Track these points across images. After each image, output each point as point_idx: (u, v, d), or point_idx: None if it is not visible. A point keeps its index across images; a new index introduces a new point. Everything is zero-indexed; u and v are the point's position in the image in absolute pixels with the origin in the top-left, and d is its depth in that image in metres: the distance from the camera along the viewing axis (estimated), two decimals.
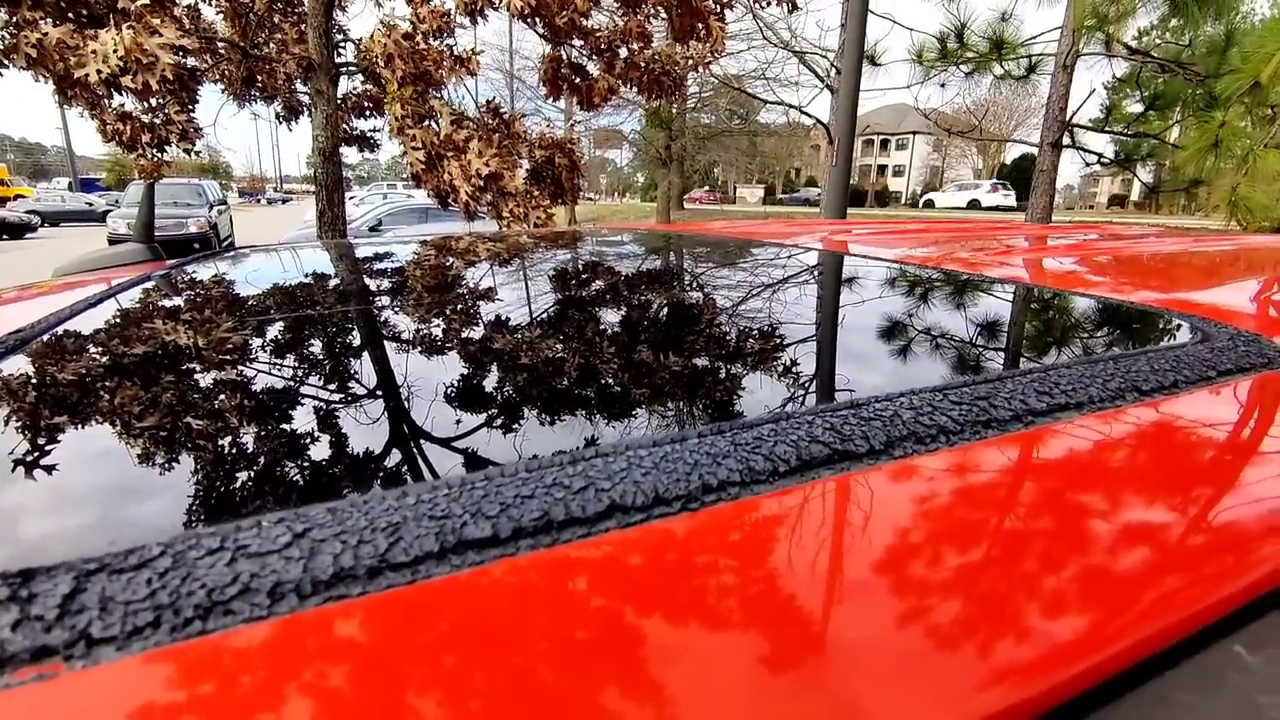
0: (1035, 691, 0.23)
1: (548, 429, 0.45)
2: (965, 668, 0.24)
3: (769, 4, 4.98)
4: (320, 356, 0.63)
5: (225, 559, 0.27)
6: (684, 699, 0.22)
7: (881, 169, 49.21)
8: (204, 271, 1.16)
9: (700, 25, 4.68)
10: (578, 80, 4.92)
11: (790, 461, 0.35)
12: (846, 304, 0.87)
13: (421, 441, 0.44)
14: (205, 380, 0.55)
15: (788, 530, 0.31)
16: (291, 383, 0.55)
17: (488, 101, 4.78)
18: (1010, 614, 0.26)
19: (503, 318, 0.77)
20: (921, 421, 0.40)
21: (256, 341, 0.67)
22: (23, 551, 0.32)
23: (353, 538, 0.28)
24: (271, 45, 4.95)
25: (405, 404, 0.50)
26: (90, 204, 22.01)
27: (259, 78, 4.98)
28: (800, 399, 0.51)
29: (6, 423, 0.45)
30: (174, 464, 0.39)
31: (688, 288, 1.03)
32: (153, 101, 4.03)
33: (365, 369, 0.60)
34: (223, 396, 0.51)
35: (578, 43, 4.77)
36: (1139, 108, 6.98)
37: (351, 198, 13.69)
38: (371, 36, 4.08)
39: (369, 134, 6.04)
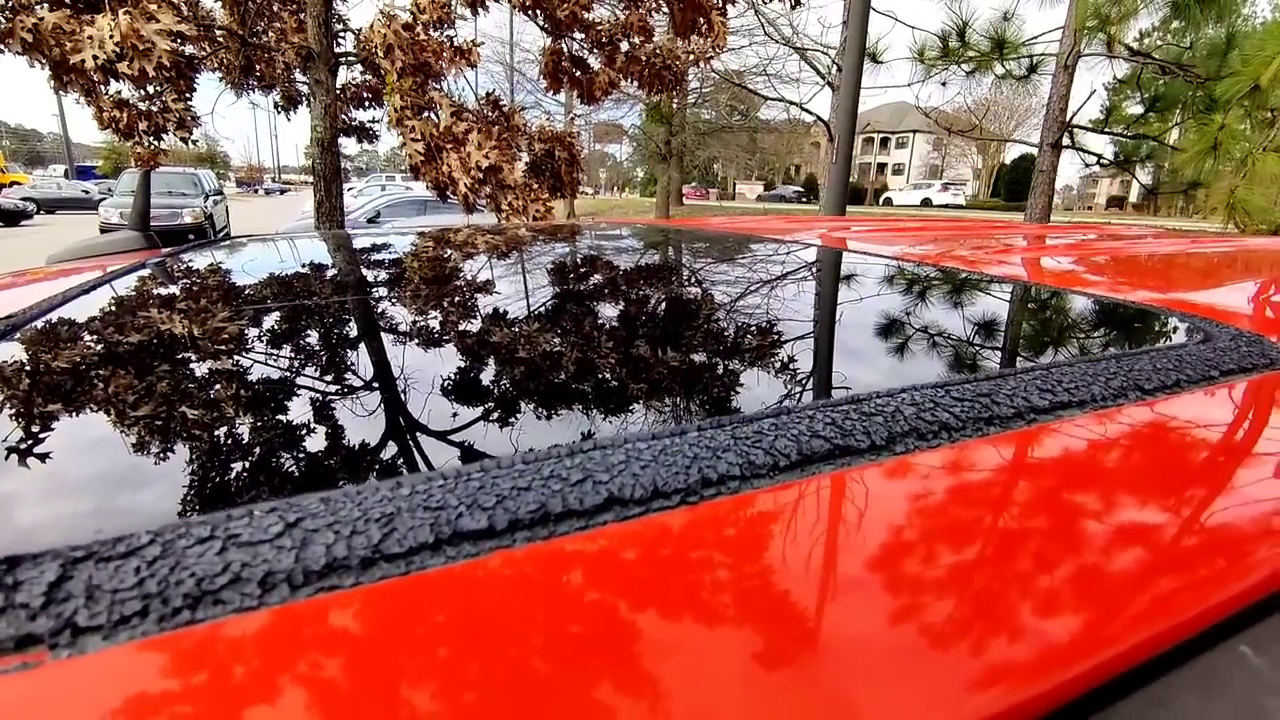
0: (1034, 693, 0.23)
1: (545, 421, 0.44)
2: (963, 667, 0.23)
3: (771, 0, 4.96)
4: (316, 346, 0.63)
5: (215, 548, 0.26)
6: (681, 693, 0.21)
7: (881, 167, 49.21)
8: (199, 260, 1.15)
9: (702, 20, 4.66)
10: (578, 74, 4.90)
11: (790, 456, 0.35)
12: (846, 300, 0.87)
13: (417, 432, 0.43)
14: (198, 369, 0.54)
15: (787, 525, 0.31)
16: (286, 372, 0.54)
17: (488, 94, 4.76)
18: (1010, 614, 0.26)
19: (500, 310, 0.76)
20: (923, 418, 0.39)
21: (251, 331, 0.66)
22: (8, 539, 0.31)
23: (346, 528, 0.28)
24: (270, 34, 4.92)
25: (401, 395, 0.50)
26: (86, 191, 21.88)
27: (257, 66, 4.95)
28: (800, 394, 0.51)
29: None
30: (165, 452, 0.39)
31: (687, 282, 1.03)
32: (150, 89, 4.00)
33: (361, 359, 0.59)
34: (216, 385, 0.50)
35: (579, 36, 4.75)
36: (1139, 109, 6.99)
37: (350, 189, 13.61)
38: (371, 26, 4.05)
39: (368, 125, 6.00)
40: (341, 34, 4.82)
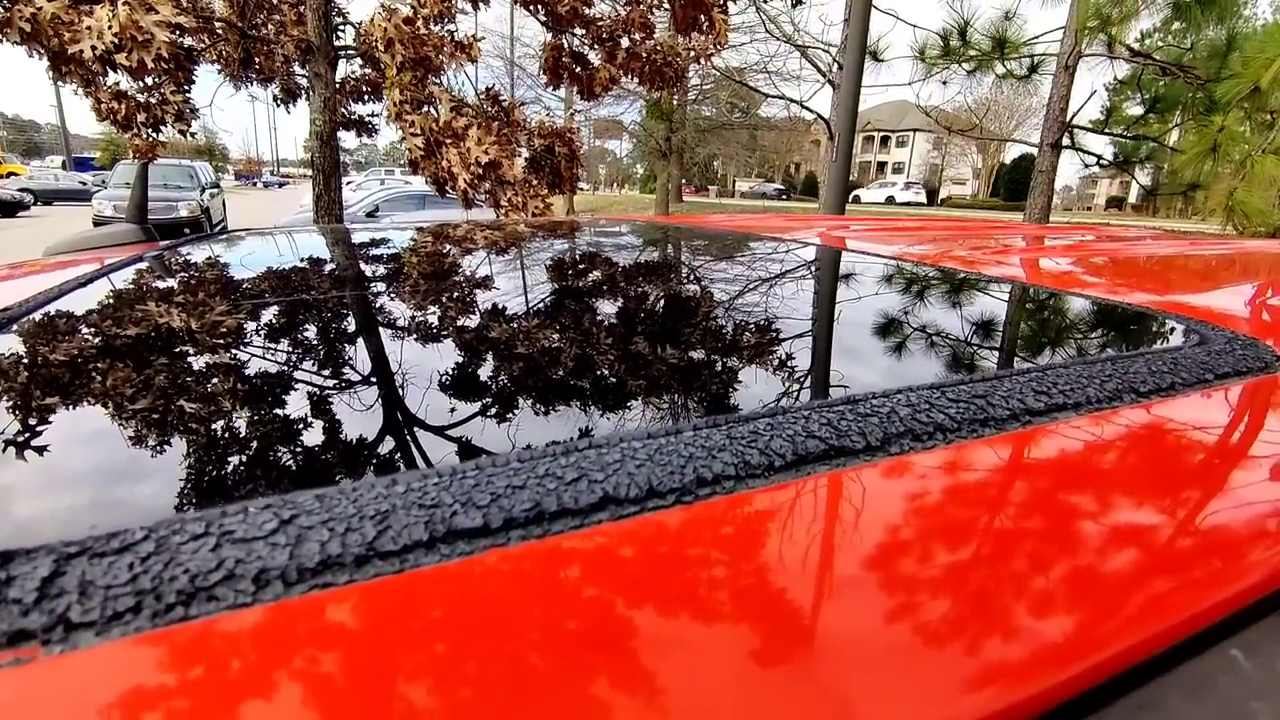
0: (1026, 695, 0.23)
1: (541, 419, 0.44)
2: (955, 669, 0.23)
3: None
4: (312, 342, 0.63)
5: (210, 544, 0.26)
6: (674, 692, 0.21)
7: (881, 166, 49.18)
8: (197, 253, 1.14)
9: (703, 17, 4.65)
10: (579, 69, 4.89)
11: (786, 456, 0.35)
12: (842, 300, 0.87)
13: (412, 429, 0.43)
14: (194, 363, 0.54)
15: (782, 525, 0.31)
16: (282, 367, 0.54)
17: (487, 89, 4.75)
18: (1002, 615, 0.26)
19: (498, 307, 0.76)
20: (918, 419, 0.39)
21: (248, 325, 0.66)
22: (1, 534, 0.31)
23: (340, 525, 0.28)
24: (270, 26, 4.90)
25: (397, 391, 0.50)
26: (84, 183, 21.79)
27: (256, 59, 4.93)
28: (796, 394, 0.51)
29: None
30: (160, 447, 0.39)
31: (683, 280, 1.03)
32: (148, 80, 3.99)
33: (357, 355, 0.59)
34: (211, 380, 0.50)
35: (579, 31, 4.74)
36: (1139, 110, 6.99)
37: (348, 183, 13.51)
38: (371, 20, 4.03)
39: (367, 119, 5.99)
40: (341, 27, 4.81)
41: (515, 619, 0.24)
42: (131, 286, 0.86)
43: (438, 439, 0.42)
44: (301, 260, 1.13)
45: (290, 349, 0.60)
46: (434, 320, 0.70)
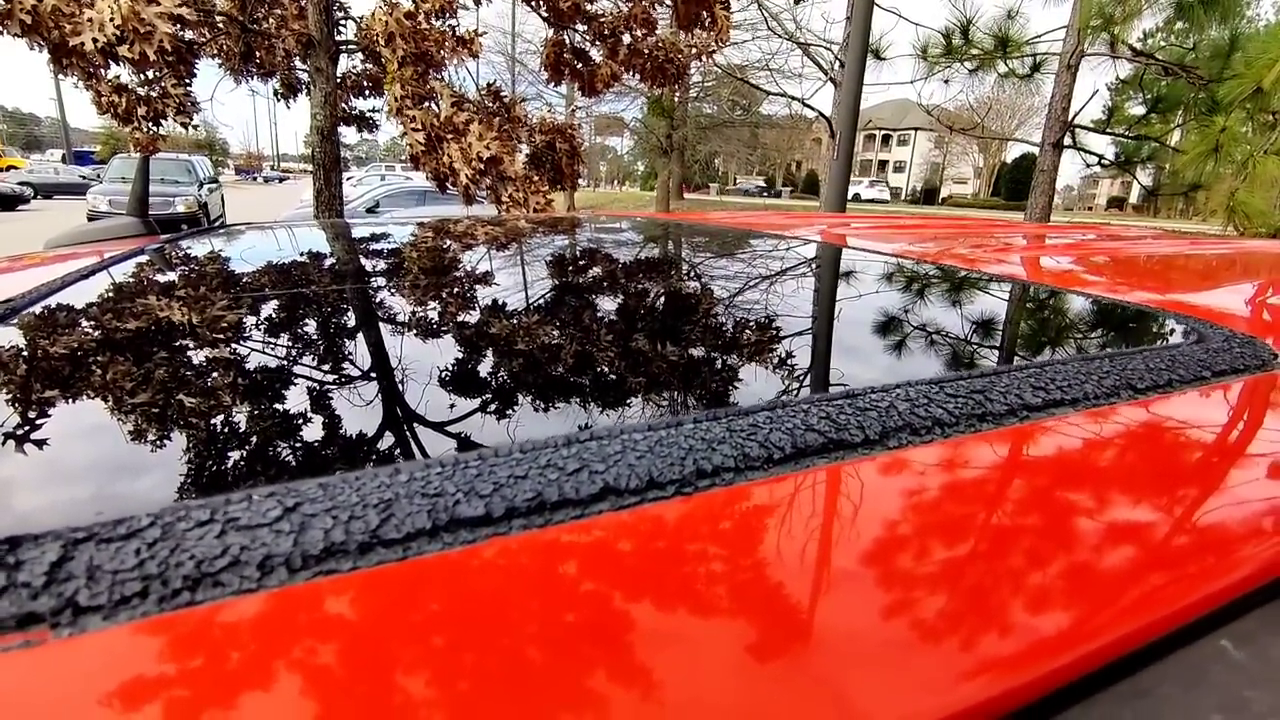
0: (1020, 682, 0.23)
1: (543, 411, 0.45)
2: (952, 656, 0.24)
3: None
4: (315, 334, 0.63)
5: (215, 531, 0.26)
6: (672, 681, 0.22)
7: (882, 164, 49.14)
8: (198, 247, 1.15)
9: (705, 14, 4.64)
10: (580, 66, 4.88)
11: (785, 449, 0.35)
12: (843, 296, 0.87)
13: (415, 420, 0.44)
14: (198, 355, 0.54)
15: (780, 517, 0.31)
16: (285, 359, 0.54)
17: (488, 84, 4.74)
18: (999, 606, 0.26)
19: (499, 301, 0.76)
20: (916, 413, 0.40)
21: (250, 318, 0.66)
22: (10, 520, 0.31)
23: (344, 513, 0.28)
24: (271, 20, 4.88)
25: (400, 383, 0.50)
26: (84, 177, 21.75)
27: (257, 53, 4.92)
28: (796, 388, 0.51)
29: None
30: (165, 436, 0.39)
31: (685, 276, 1.03)
32: (149, 74, 3.98)
33: (360, 348, 0.59)
34: (215, 371, 0.51)
35: (581, 27, 4.73)
36: (1141, 110, 6.98)
37: (349, 178, 13.43)
38: (373, 15, 4.03)
39: (368, 114, 5.98)
40: (342, 21, 4.79)
41: (516, 607, 0.24)
42: (134, 279, 0.86)
43: (440, 430, 0.42)
44: (304, 254, 1.13)
45: (295, 341, 0.60)
46: (437, 314, 0.71)
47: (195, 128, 4.42)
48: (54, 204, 18.59)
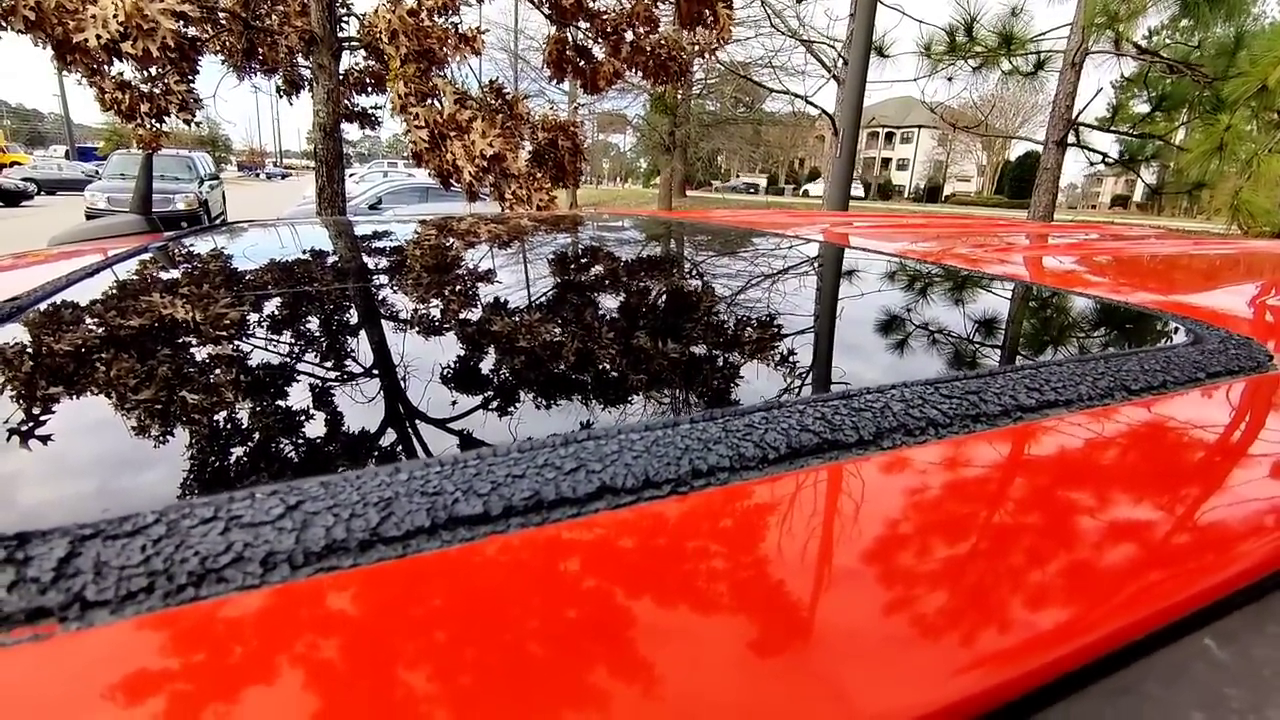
0: (1003, 679, 0.23)
1: (541, 411, 0.45)
2: (939, 653, 0.24)
3: None
4: (317, 333, 0.63)
5: (219, 528, 0.27)
6: (666, 676, 0.22)
7: (885, 162, 49.01)
8: (201, 245, 1.15)
9: (707, 11, 4.64)
10: (582, 63, 4.88)
11: (780, 449, 0.35)
12: (841, 296, 0.88)
13: (415, 419, 0.44)
14: (202, 353, 0.55)
15: (774, 516, 0.32)
16: (287, 358, 0.55)
17: (491, 82, 4.74)
18: (985, 605, 0.27)
19: (500, 300, 0.77)
20: (911, 414, 0.40)
21: (253, 316, 0.67)
22: (18, 516, 0.32)
23: (345, 511, 0.28)
24: (273, 17, 4.89)
25: (399, 382, 0.50)
26: (87, 173, 21.77)
27: (260, 50, 4.92)
28: (792, 388, 0.51)
29: (4, 390, 0.45)
30: (169, 434, 0.40)
31: (684, 275, 1.03)
32: (152, 70, 3.99)
33: (361, 346, 0.60)
34: (218, 369, 0.51)
35: (583, 25, 4.72)
36: (1145, 108, 6.95)
37: (351, 175, 13.34)
38: (376, 12, 4.03)
39: (370, 111, 5.98)
40: (345, 18, 4.80)
41: (514, 603, 0.25)
42: (139, 277, 0.86)
43: (439, 429, 0.42)
44: (306, 253, 1.14)
45: (296, 340, 0.60)
46: (437, 313, 0.71)
47: (198, 124, 4.43)
48: (57, 200, 18.62)
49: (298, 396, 0.46)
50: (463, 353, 0.58)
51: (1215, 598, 0.28)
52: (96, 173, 14.99)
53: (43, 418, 0.42)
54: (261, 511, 0.28)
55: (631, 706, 0.21)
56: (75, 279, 0.79)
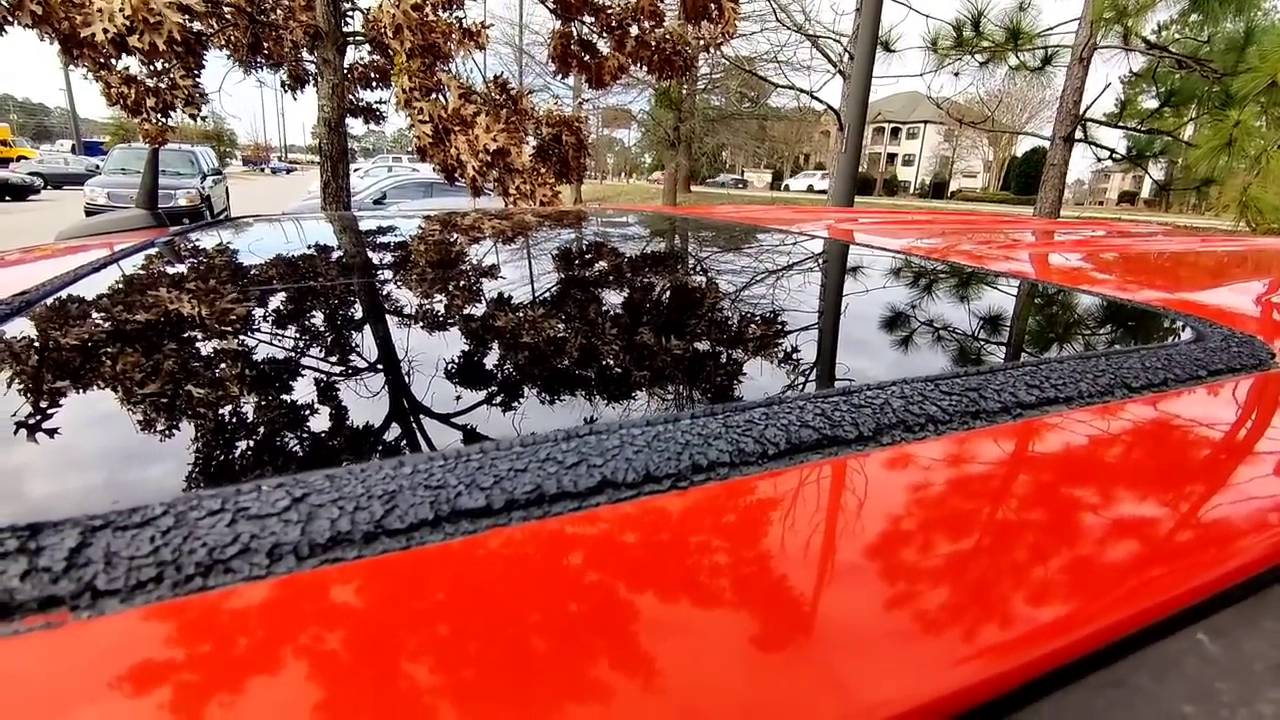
0: (999, 671, 0.24)
1: (543, 405, 0.45)
2: (934, 646, 0.24)
3: None
4: (322, 328, 0.64)
5: (226, 520, 0.27)
6: (664, 667, 0.23)
7: (891, 157, 48.81)
8: (207, 240, 1.16)
9: (712, 5, 4.62)
10: (587, 58, 4.87)
11: (780, 445, 0.36)
12: (843, 292, 0.88)
13: (419, 414, 0.45)
14: (207, 347, 0.55)
15: (773, 511, 0.32)
16: (293, 353, 0.55)
17: (495, 76, 4.73)
18: (981, 597, 0.27)
19: (503, 295, 0.77)
20: (911, 410, 0.40)
21: (259, 311, 0.67)
22: (29, 507, 0.32)
23: (350, 504, 0.29)
24: (278, 12, 4.89)
25: (404, 377, 0.51)
26: (93, 167, 21.83)
27: (265, 44, 4.93)
28: (793, 384, 0.52)
29: (13, 383, 0.46)
30: (177, 428, 0.40)
31: (687, 271, 1.04)
32: (158, 65, 4.00)
33: (366, 341, 0.60)
34: (224, 364, 0.52)
35: (588, 19, 4.71)
36: (1154, 104, 6.90)
37: (356, 170, 13.27)
38: (380, 6, 4.03)
39: (375, 106, 5.98)
40: (350, 13, 4.80)
41: (515, 595, 0.25)
42: (145, 272, 0.87)
43: (443, 424, 0.43)
44: (312, 247, 1.14)
45: (301, 335, 0.61)
46: (441, 308, 0.72)
47: (204, 119, 4.44)
48: (64, 194, 18.68)
49: (303, 390, 0.46)
50: (466, 348, 0.58)
51: (1209, 593, 0.28)
52: (98, 167, 14.75)
53: (53, 411, 0.42)
54: (268, 504, 0.28)
55: (630, 696, 0.22)
56: (83, 274, 0.79)
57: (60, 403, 0.44)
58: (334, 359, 0.55)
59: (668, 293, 0.85)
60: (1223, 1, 5.77)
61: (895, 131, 48.07)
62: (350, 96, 5.56)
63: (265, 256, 1.02)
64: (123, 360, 0.51)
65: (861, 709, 0.22)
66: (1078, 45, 6.73)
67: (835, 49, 9.88)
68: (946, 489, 0.35)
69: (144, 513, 0.27)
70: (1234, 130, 5.13)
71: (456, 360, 0.54)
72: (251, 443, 0.39)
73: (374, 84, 5.72)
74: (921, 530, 0.31)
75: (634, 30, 4.75)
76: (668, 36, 4.78)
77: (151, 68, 4.02)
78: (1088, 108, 6.82)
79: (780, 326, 0.67)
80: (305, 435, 0.40)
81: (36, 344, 0.55)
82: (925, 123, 44.23)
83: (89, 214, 8.53)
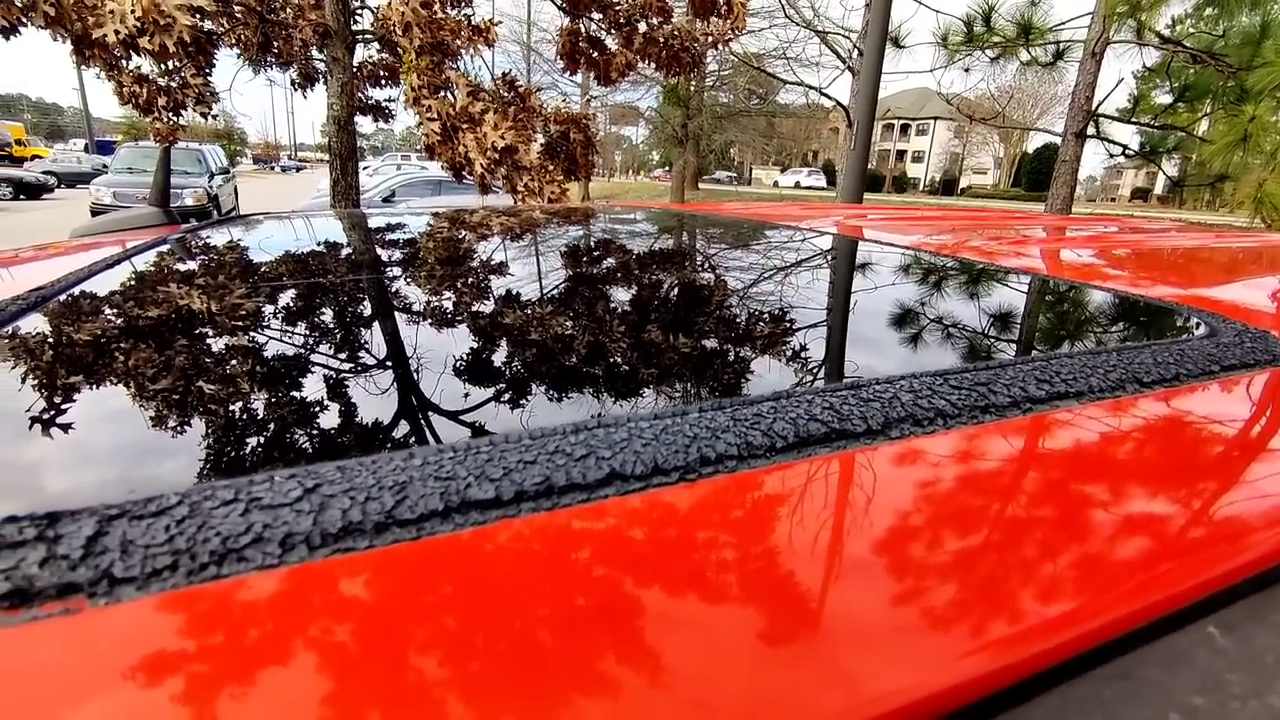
0: (1003, 664, 0.24)
1: (552, 399, 0.46)
2: (944, 637, 0.24)
3: None
4: (333, 323, 0.64)
5: (239, 510, 0.28)
6: (669, 658, 0.23)
7: (901, 154, 48.54)
8: (219, 237, 1.17)
9: (721, 1, 4.61)
10: (595, 54, 4.87)
11: (788, 438, 0.36)
12: (851, 288, 0.88)
13: (429, 406, 0.45)
14: (220, 342, 0.56)
15: (780, 504, 0.32)
16: (304, 347, 0.56)
17: (504, 74, 4.74)
18: (990, 590, 0.27)
19: (512, 291, 0.77)
20: (920, 404, 0.40)
21: (270, 306, 0.68)
22: (49, 496, 0.33)
23: (361, 494, 0.29)
24: (288, 10, 4.91)
25: (414, 370, 0.51)
26: (106, 166, 22.00)
27: (275, 43, 4.95)
28: (801, 378, 0.52)
29: (32, 377, 0.46)
30: (191, 419, 0.41)
31: (695, 267, 1.04)
32: (169, 64, 4.03)
33: (376, 336, 0.61)
34: (237, 357, 0.52)
35: (596, 16, 4.71)
36: (1168, 99, 6.82)
37: (365, 168, 13.27)
38: (389, 4, 4.04)
39: (384, 104, 6.00)
40: (359, 11, 4.81)
41: (524, 585, 0.25)
42: (158, 268, 0.88)
43: (453, 416, 0.43)
44: (321, 244, 1.15)
45: (313, 329, 0.61)
46: (451, 303, 0.72)
47: (214, 117, 4.47)
48: (77, 193, 18.85)
49: (315, 384, 0.47)
50: (475, 342, 0.58)
51: (1219, 588, 0.28)
52: (104, 166, 14.63)
53: (71, 403, 0.43)
54: (280, 494, 0.29)
55: (636, 686, 0.22)
56: (96, 270, 0.80)
57: (78, 395, 0.44)
58: (345, 353, 0.55)
59: (675, 288, 0.85)
60: None
61: (905, 128, 47.79)
62: (359, 94, 5.58)
63: (276, 253, 1.03)
64: (137, 354, 0.51)
65: (867, 700, 0.22)
66: (1090, 40, 6.67)
67: (844, 45, 9.83)
68: (955, 483, 0.35)
69: (159, 502, 0.28)
70: (1249, 125, 5.06)
71: (466, 354, 0.54)
72: (264, 434, 0.40)
73: (383, 82, 5.73)
74: (929, 524, 0.31)
75: (642, 27, 4.75)
76: (676, 33, 4.77)
77: (163, 67, 4.05)
78: (1100, 103, 6.76)
79: (788, 322, 0.67)
80: (317, 427, 0.41)
81: (53, 339, 0.55)
82: (935, 119, 43.95)
83: (95, 213, 8.32)
